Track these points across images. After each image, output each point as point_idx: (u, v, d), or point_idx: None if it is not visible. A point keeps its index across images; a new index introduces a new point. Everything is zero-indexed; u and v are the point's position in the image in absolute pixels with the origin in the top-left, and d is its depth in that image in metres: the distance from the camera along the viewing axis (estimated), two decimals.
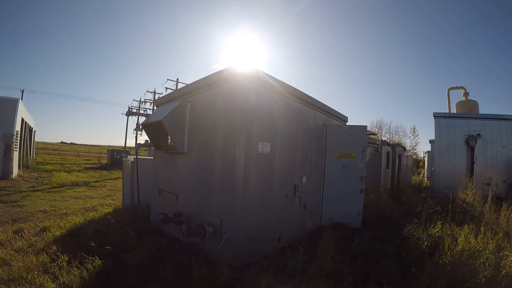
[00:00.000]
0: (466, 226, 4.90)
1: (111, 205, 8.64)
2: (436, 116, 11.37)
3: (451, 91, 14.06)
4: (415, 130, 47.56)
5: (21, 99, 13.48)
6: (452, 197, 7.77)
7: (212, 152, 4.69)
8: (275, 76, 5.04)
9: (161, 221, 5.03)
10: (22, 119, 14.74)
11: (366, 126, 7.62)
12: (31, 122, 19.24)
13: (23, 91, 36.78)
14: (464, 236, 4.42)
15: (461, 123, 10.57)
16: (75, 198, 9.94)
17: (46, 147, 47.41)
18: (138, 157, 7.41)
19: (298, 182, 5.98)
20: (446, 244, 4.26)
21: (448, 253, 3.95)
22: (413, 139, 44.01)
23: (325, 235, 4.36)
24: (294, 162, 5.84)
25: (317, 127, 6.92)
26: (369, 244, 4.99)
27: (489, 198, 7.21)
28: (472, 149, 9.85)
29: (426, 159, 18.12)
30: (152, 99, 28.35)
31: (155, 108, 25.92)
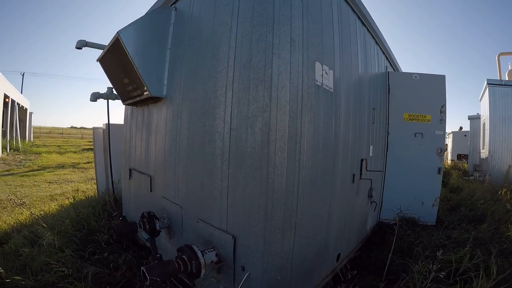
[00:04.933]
0: None
1: (88, 191, 6.03)
2: (491, 84, 8.39)
3: (501, 57, 10.85)
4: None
5: (22, 83, 10.62)
6: None
7: (215, 92, 1.83)
8: None
9: (116, 232, 2.30)
10: (5, 96, 12.02)
11: (444, 76, 4.68)
12: (23, 102, 16.47)
13: (23, 74, 33.47)
14: None
15: None
16: (49, 182, 7.31)
17: (52, 131, 44.76)
18: (111, 123, 4.64)
19: (366, 154, 3.19)
20: None
21: None
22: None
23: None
24: (361, 120, 3.01)
25: (379, 75, 4.02)
26: None
27: None
28: None
29: (451, 140, 15.07)
30: None
31: None
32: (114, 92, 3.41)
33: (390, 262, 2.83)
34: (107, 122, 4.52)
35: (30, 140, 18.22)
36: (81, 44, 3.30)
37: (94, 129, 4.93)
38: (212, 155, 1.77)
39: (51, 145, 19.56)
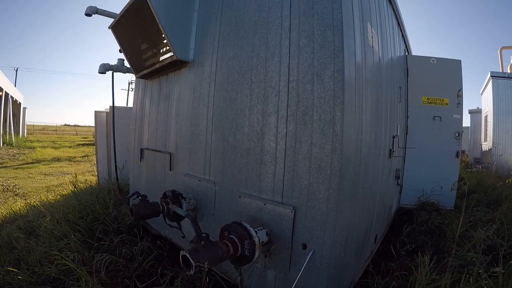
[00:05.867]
0: None
1: (86, 183, 5.54)
2: (494, 76, 8.36)
3: (503, 51, 10.90)
4: None
5: (15, 78, 9.81)
6: None
7: (266, 44, 1.50)
8: None
9: (136, 213, 1.92)
10: None
11: (460, 61, 4.51)
12: (17, 96, 15.46)
13: (17, 69, 31.66)
14: None
15: None
16: (45, 174, 6.73)
17: (46, 128, 43.01)
18: (116, 106, 4.22)
19: (396, 131, 2.95)
20: None
21: None
22: None
23: None
24: (392, 95, 2.76)
25: (400, 57, 3.79)
26: None
27: None
28: None
29: None
30: None
31: None
32: (126, 64, 3.00)
33: (422, 243, 2.63)
34: (111, 105, 4.09)
35: (24, 136, 17.18)
36: (91, 11, 2.87)
37: (96, 113, 4.48)
38: (263, 114, 1.45)
39: (45, 141, 18.52)
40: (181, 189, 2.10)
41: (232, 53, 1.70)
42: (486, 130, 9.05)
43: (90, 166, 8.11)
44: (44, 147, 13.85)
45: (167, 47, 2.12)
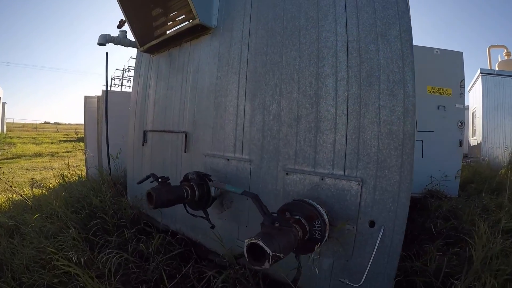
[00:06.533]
0: None
1: (72, 177, 5.02)
2: (484, 73, 8.77)
3: (492, 49, 11.47)
4: None
5: None
6: None
7: (316, 3, 1.32)
8: None
9: (156, 200, 1.59)
10: None
11: (462, 52, 4.59)
12: None
13: None
14: None
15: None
16: (26, 169, 6.05)
17: (25, 126, 40.02)
18: (109, 90, 3.82)
19: None
20: None
21: None
22: None
23: None
24: None
25: None
26: None
27: None
28: None
29: None
30: None
31: None
32: (129, 37, 2.65)
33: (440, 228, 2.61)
34: (104, 89, 3.69)
35: (3, 132, 15.68)
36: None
37: (86, 98, 4.04)
38: (317, 76, 1.25)
39: (25, 137, 17.04)
40: (204, 169, 1.85)
41: (272, 15, 1.48)
42: (474, 126, 9.49)
43: (75, 161, 7.47)
44: (24, 143, 12.71)
45: (187, 12, 1.85)
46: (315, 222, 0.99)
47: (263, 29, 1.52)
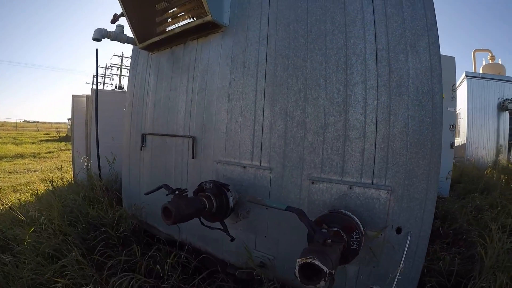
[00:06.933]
0: None
1: (58, 181, 4.69)
2: (469, 76, 9.28)
3: (476, 53, 12.10)
4: None
5: None
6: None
7: (343, 8, 1.30)
8: None
9: (176, 215, 1.37)
10: None
11: (454, 57, 4.80)
12: None
13: None
14: None
15: (495, 85, 8.65)
16: (8, 172, 5.57)
17: (4, 124, 37.37)
18: (99, 89, 3.60)
19: None
20: None
21: None
22: None
23: None
24: None
25: None
26: None
27: None
28: (511, 113, 7.97)
29: None
30: (120, 64, 21.48)
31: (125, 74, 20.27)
32: (127, 33, 2.49)
33: (437, 228, 2.70)
34: (94, 87, 3.46)
35: None
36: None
37: (74, 97, 3.78)
38: (346, 83, 1.23)
39: (5, 137, 15.80)
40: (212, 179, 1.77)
41: (294, 16, 1.43)
42: (458, 127, 9.99)
43: (59, 163, 7.03)
44: (4, 143, 11.79)
45: (196, 8, 1.76)
46: (353, 233, 0.97)
47: (284, 30, 1.47)
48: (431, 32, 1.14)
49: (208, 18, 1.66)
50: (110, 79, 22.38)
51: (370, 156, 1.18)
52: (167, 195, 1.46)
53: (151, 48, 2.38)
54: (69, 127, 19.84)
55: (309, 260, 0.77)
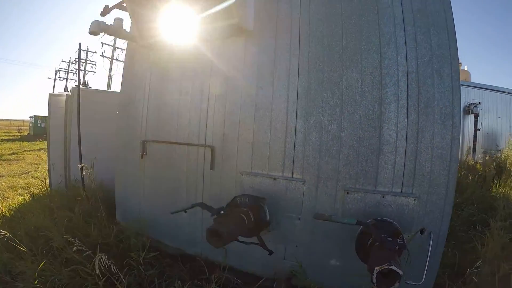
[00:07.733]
0: None
1: (28, 187, 4.10)
2: None
3: None
4: None
5: None
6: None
7: (377, 36, 1.45)
8: None
9: (227, 236, 1.30)
10: None
11: None
12: None
13: None
14: None
15: (461, 90, 9.87)
16: None
17: None
18: (81, 87, 3.28)
19: None
20: None
21: None
22: None
23: None
24: None
25: None
26: None
27: None
28: (476, 116, 9.12)
29: None
30: (85, 58, 19.25)
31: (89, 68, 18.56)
32: (127, 30, 2.28)
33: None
34: (75, 86, 3.15)
35: None
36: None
37: (51, 96, 3.37)
38: (380, 102, 1.36)
39: None
40: (235, 192, 1.77)
41: (327, 31, 1.51)
42: None
43: (25, 166, 6.19)
44: None
45: (220, 9, 1.70)
46: (399, 238, 1.12)
47: (318, 44, 1.53)
48: (454, 61, 1.34)
49: (235, 21, 1.60)
50: (73, 75, 20.49)
51: (400, 168, 1.35)
52: (211, 216, 1.45)
53: (155, 46, 2.23)
54: (31, 125, 17.57)
55: (388, 267, 0.90)
